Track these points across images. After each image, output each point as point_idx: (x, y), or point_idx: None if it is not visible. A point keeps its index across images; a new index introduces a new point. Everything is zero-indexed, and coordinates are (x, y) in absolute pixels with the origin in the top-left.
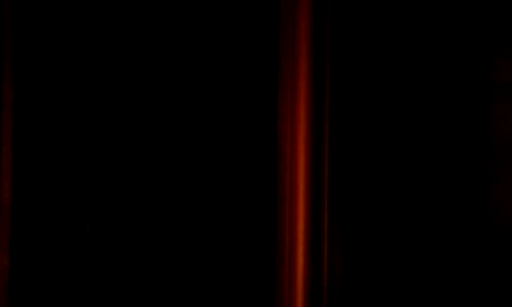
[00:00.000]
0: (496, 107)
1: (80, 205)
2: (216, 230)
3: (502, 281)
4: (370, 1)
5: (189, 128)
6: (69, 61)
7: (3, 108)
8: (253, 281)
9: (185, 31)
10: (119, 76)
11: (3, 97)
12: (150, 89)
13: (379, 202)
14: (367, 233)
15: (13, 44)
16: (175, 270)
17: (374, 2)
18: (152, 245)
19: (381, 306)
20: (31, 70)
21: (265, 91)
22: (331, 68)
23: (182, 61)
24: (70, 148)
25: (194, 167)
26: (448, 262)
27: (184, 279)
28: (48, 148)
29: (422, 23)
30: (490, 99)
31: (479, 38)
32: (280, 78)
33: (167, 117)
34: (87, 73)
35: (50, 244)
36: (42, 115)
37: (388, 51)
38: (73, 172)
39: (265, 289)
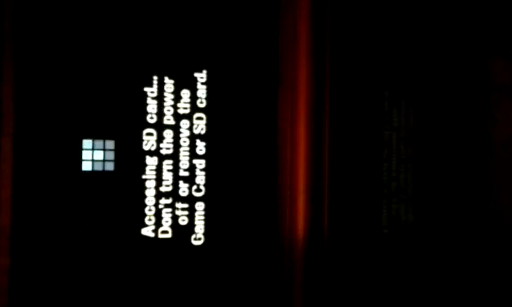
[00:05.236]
0: (496, 108)
1: (81, 205)
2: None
3: (502, 286)
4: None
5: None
6: (70, 60)
7: (3, 108)
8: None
9: (185, 31)
10: (117, 72)
11: (3, 97)
12: (148, 87)
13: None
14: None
15: (13, 44)
16: (174, 272)
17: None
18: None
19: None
20: (32, 70)
21: (265, 85)
22: (331, 63)
23: (181, 60)
24: (71, 147)
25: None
26: (448, 265)
27: (183, 276)
28: (48, 146)
29: (422, 22)
30: (490, 100)
31: (479, 39)
32: (280, 70)
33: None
34: (88, 73)
35: (51, 244)
36: (43, 114)
37: (389, 48)
38: (73, 171)
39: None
